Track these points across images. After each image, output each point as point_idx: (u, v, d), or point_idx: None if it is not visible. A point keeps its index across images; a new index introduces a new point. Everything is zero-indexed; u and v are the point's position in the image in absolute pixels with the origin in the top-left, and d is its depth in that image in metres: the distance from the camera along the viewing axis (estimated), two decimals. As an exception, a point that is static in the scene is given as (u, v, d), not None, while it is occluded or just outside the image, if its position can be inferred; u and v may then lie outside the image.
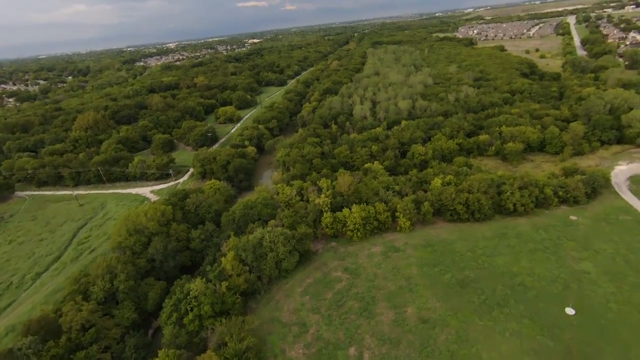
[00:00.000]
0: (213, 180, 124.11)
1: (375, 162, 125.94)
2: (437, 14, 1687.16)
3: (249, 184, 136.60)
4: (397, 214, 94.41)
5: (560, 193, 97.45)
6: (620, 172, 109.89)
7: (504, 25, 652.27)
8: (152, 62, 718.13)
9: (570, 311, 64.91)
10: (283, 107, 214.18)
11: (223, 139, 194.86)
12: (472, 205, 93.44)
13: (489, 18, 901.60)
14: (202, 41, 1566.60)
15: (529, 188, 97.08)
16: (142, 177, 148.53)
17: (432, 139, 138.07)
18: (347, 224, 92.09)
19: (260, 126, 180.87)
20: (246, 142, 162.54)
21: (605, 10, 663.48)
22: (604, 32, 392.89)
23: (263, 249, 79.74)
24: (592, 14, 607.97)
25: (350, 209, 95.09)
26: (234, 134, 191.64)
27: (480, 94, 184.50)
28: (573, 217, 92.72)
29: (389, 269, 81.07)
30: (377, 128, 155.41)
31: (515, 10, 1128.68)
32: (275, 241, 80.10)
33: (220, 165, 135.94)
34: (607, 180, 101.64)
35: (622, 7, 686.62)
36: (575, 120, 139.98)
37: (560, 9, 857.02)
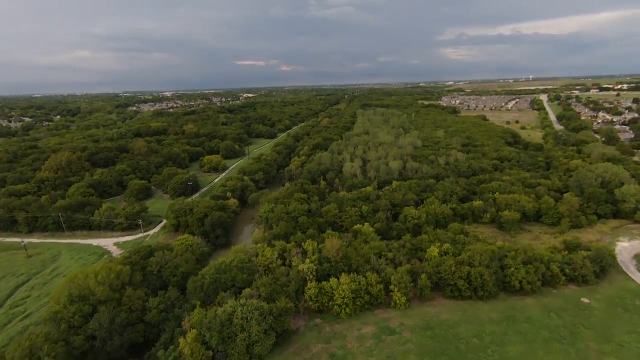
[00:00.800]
0: (186, 235, 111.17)
1: (365, 223, 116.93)
2: (420, 84, 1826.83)
3: (227, 240, 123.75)
4: (391, 286, 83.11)
5: (567, 270, 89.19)
6: (624, 249, 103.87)
7: (484, 98, 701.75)
8: (146, 107, 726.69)
9: None
10: (271, 159, 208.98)
11: (205, 189, 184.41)
12: (474, 281, 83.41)
13: (469, 90, 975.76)
14: (199, 92, 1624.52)
15: (534, 263, 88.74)
16: (109, 227, 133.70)
17: (424, 202, 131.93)
18: (334, 297, 79.60)
19: (245, 177, 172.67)
20: (228, 194, 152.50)
21: (572, 91, 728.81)
22: (576, 110, 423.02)
23: (233, 327, 65.74)
24: (562, 94, 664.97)
25: (338, 279, 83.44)
26: (217, 184, 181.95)
27: (469, 159, 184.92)
28: (585, 300, 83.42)
29: (383, 358, 67.53)
30: (367, 187, 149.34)
31: (491, 85, 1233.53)
32: (249, 318, 66.56)
33: (196, 218, 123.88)
34: (614, 258, 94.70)
35: (587, 90, 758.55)
36: (567, 192, 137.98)
37: (532, 88, 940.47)
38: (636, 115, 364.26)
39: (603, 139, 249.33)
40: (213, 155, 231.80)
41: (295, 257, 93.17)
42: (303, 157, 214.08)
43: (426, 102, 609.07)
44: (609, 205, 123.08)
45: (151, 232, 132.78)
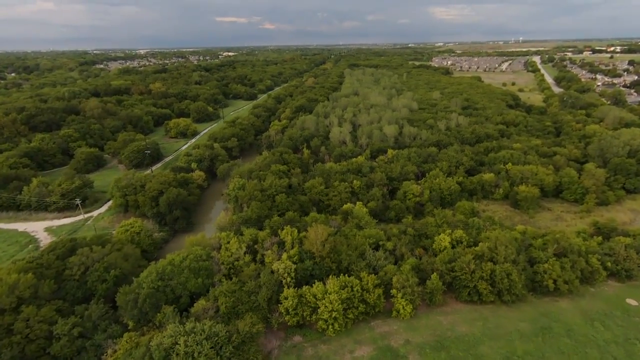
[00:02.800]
0: (132, 220, 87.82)
1: (357, 202, 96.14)
2: (410, 45, 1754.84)
3: (189, 223, 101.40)
4: (393, 291, 63.98)
5: (609, 264, 72.01)
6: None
7: (476, 59, 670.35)
8: (115, 65, 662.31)
9: None
10: (248, 124, 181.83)
11: (169, 158, 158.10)
12: (499, 283, 65.00)
13: (460, 52, 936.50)
14: (175, 50, 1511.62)
15: (570, 256, 70.82)
16: (42, 207, 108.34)
17: (427, 175, 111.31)
18: (318, 309, 59.88)
19: (216, 145, 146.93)
20: (193, 165, 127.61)
21: (565, 53, 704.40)
22: (573, 72, 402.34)
23: (172, 369, 45.32)
24: (555, 56, 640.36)
25: (324, 282, 63.48)
26: (183, 152, 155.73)
27: (472, 123, 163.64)
28: (632, 302, 66.94)
29: (386, 400, 49.37)
30: (359, 157, 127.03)
31: (482, 47, 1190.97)
32: (195, 354, 46.03)
33: (149, 197, 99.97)
34: (659, 246, 77.85)
35: (581, 52, 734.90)
36: (586, 162, 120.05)
37: (524, 49, 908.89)
38: (635, 77, 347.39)
39: (609, 102, 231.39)
40: (181, 119, 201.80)
41: (270, 250, 72.14)
42: (284, 121, 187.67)
43: (417, 63, 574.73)
44: (639, 178, 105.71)
45: (96, 212, 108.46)
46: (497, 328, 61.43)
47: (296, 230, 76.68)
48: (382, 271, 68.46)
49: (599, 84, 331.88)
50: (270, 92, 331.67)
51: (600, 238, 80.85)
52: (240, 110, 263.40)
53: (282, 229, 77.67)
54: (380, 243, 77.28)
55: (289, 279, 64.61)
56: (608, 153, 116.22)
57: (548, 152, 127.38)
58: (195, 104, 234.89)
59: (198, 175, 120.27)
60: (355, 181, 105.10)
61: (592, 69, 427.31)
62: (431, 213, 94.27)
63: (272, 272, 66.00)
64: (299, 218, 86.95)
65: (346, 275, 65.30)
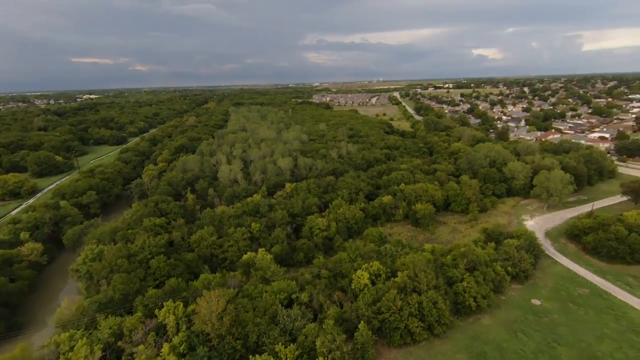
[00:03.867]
0: None
1: (259, 249, 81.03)
2: (290, 85, 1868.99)
3: (13, 325, 68.03)
4: (319, 359, 50.48)
5: (509, 268, 74.76)
6: (532, 228, 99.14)
7: (350, 95, 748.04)
8: None
9: None
10: (112, 172, 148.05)
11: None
12: (428, 315, 58.65)
13: (335, 90, 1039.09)
14: (16, 94, 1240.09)
15: (480, 268, 70.74)
16: None
17: (330, 205, 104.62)
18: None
19: (64, 203, 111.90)
20: (24, 235, 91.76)
21: (416, 89, 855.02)
22: (426, 103, 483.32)
23: None
24: (410, 92, 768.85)
25: (227, 375, 45.65)
26: (8, 219, 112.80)
27: (361, 149, 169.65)
28: (536, 302, 69.44)
29: None
30: (254, 195, 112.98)
31: (352, 85, 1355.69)
32: None
33: None
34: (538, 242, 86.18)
35: (426, 88, 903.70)
36: (460, 175, 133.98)
37: (385, 87, 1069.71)
38: (468, 105, 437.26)
39: (457, 124, 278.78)
40: (11, 174, 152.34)
41: (142, 345, 50.24)
42: (162, 164, 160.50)
43: (299, 100, 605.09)
44: (503, 184, 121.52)
45: None
46: (438, 370, 53.88)
47: (182, 305, 56.87)
48: (301, 335, 54.46)
49: (447, 111, 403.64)
50: (144, 134, 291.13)
51: (493, 244, 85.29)
52: (104, 157, 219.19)
53: (161, 307, 56.70)
54: (294, 296, 63.69)
55: (173, 386, 44.43)
56: (475, 165, 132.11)
57: (429, 169, 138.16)
58: (35, 153, 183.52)
59: (30, 248, 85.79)
60: (253, 224, 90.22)
61: (439, 100, 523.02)
62: (342, 247, 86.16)
63: (146, 380, 44.70)
64: (185, 285, 66.68)
65: (256, 355, 48.92)
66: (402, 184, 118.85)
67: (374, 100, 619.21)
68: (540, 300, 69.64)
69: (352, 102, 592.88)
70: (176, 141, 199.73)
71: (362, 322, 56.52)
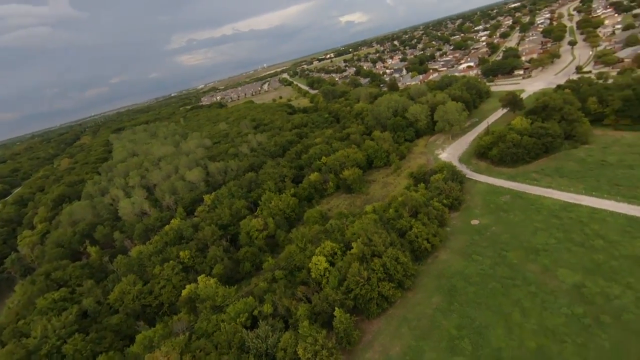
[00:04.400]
0: None
1: (198, 277, 70.00)
2: (173, 95, 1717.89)
3: None
4: (307, 367, 44.97)
5: (445, 201, 78.54)
6: (447, 159, 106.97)
7: (240, 89, 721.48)
8: None
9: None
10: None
11: None
12: (395, 274, 57.34)
13: (223, 87, 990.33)
14: None
15: (422, 210, 72.40)
16: None
17: (259, 202, 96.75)
18: None
19: None
20: None
21: (302, 66, 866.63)
22: (316, 76, 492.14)
23: None
24: (298, 70, 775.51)
25: None
26: None
27: (271, 136, 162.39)
28: (475, 222, 74.44)
29: None
30: (172, 221, 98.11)
31: (239, 78, 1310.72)
32: None
33: None
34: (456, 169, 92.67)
35: (311, 63, 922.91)
36: (371, 132, 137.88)
37: (272, 72, 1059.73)
38: (354, 69, 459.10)
39: (351, 88, 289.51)
40: None
41: None
42: (41, 225, 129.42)
43: (188, 107, 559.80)
44: (410, 128, 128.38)
45: None
46: (422, 323, 53.26)
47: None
48: (279, 351, 47.91)
49: (337, 79, 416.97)
50: (5, 198, 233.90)
51: (422, 184, 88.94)
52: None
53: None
54: (256, 313, 56.15)
55: None
56: (381, 119, 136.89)
57: (342, 135, 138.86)
58: None
59: None
60: (181, 252, 77.81)
61: (327, 71, 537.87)
62: (287, 240, 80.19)
63: None
64: (121, 357, 53.27)
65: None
66: (323, 157, 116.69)
67: (265, 86, 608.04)
68: (477, 219, 74.88)
69: (245, 94, 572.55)
70: (52, 192, 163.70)
71: (336, 308, 52.38)
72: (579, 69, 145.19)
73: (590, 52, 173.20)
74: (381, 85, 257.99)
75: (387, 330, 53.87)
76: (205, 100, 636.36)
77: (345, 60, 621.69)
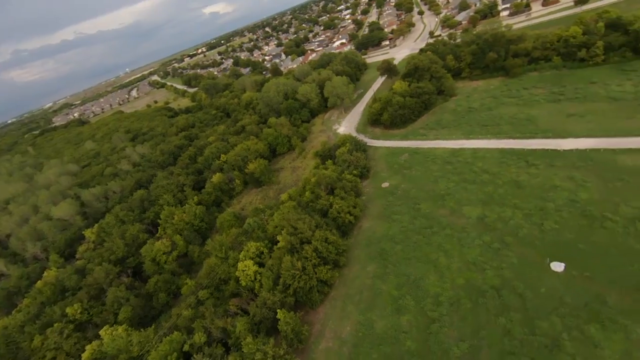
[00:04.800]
0: None
1: (101, 331, 56.16)
2: (10, 121, 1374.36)
3: None
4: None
5: (355, 171, 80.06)
6: (345, 131, 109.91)
7: (102, 100, 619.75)
8: None
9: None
10: None
11: None
12: (328, 255, 55.50)
13: (80, 101, 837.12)
14: None
15: (337, 185, 72.08)
16: None
17: (160, 221, 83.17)
18: None
19: None
20: None
21: (173, 64, 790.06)
22: (191, 73, 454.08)
23: None
24: (169, 69, 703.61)
25: None
26: None
27: (154, 145, 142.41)
28: (385, 185, 78.00)
29: None
30: (46, 273, 76.85)
31: (100, 88, 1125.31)
32: None
33: None
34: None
35: (182, 60, 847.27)
36: (267, 120, 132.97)
37: (139, 75, 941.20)
38: (231, 60, 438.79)
39: (234, 79, 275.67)
40: None
41: None
42: None
43: (36, 132, 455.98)
44: (304, 109, 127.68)
45: None
46: (365, 295, 53.06)
47: None
48: (226, 382, 41.34)
49: (216, 72, 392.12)
50: None
51: (330, 161, 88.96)
52: None
53: None
54: (186, 348, 47.54)
55: None
56: (273, 104, 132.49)
57: (237, 128, 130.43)
58: None
59: None
60: (68, 309, 61.42)
61: (202, 66, 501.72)
62: (203, 254, 70.90)
63: None
64: None
65: None
66: (222, 155, 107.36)
67: (134, 93, 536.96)
68: (387, 182, 78.60)
69: (111, 105, 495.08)
70: None
71: (277, 310, 47.89)
72: (431, 34, 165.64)
73: (436, 19, 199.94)
74: (264, 72, 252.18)
75: (334, 314, 52.16)
76: (58, 120, 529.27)
77: (219, 53, 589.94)
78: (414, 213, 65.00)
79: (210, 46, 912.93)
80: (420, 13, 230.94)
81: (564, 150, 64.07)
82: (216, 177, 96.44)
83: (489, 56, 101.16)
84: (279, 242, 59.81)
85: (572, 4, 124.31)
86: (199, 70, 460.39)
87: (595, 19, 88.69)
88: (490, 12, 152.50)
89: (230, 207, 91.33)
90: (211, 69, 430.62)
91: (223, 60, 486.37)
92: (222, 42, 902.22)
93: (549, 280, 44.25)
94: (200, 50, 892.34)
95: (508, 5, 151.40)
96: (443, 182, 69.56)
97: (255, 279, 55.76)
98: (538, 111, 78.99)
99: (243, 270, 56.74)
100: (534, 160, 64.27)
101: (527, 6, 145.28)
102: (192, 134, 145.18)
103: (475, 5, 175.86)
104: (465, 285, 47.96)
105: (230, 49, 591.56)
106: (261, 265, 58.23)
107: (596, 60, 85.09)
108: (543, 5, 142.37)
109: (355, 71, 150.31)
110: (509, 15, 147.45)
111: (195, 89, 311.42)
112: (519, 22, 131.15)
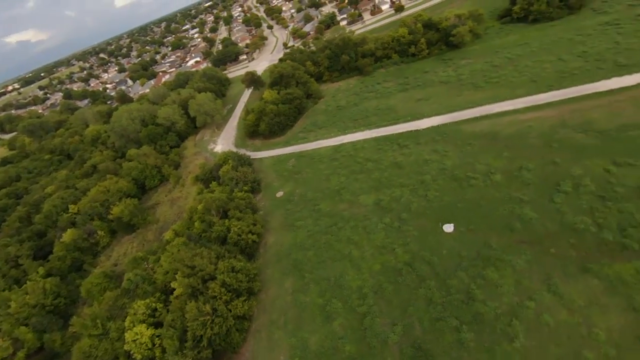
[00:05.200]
0: None
1: None
2: None
3: None
4: None
5: (246, 188, 74.14)
6: (223, 149, 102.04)
7: None
8: None
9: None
10: None
11: None
12: (238, 286, 48.38)
13: None
14: None
15: (229, 206, 64.86)
16: None
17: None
18: None
19: None
20: None
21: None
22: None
23: None
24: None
25: None
26: None
27: None
28: (279, 194, 74.93)
29: None
30: None
31: None
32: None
33: None
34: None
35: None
36: (125, 153, 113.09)
37: None
38: (60, 94, 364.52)
39: (69, 114, 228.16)
40: None
41: None
42: None
43: None
44: (171, 133, 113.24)
45: None
46: (290, 315, 48.30)
47: None
48: None
49: (41, 110, 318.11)
50: None
51: (214, 182, 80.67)
52: None
53: None
54: None
55: None
56: (130, 133, 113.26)
57: (86, 169, 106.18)
58: None
59: None
60: None
61: (18, 106, 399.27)
62: (70, 338, 53.12)
63: None
64: None
65: None
66: (71, 206, 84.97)
67: None
68: (280, 191, 75.64)
69: None
70: None
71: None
72: (285, 45, 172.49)
73: (286, 32, 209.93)
74: (109, 102, 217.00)
75: (261, 349, 45.72)
76: None
77: (41, 87, 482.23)
78: (315, 215, 63.80)
79: (26, 81, 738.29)
80: (270, 27, 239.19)
81: (423, 129, 73.60)
82: (68, 235, 75.01)
83: (343, 58, 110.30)
84: (174, 290, 49.23)
85: (393, 12, 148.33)
86: (13, 111, 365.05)
87: (414, 21, 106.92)
88: (332, 22, 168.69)
89: (98, 266, 72.32)
90: (33, 107, 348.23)
91: (48, 95, 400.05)
92: (43, 74, 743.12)
93: (446, 241, 48.77)
94: (11, 87, 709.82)
95: (345, 15, 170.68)
96: (335, 178, 70.83)
97: (154, 344, 44.16)
98: (394, 101, 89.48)
99: (134, 340, 44.20)
100: (404, 142, 71.70)
101: (360, 15, 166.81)
102: (19, 189, 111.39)
103: (317, 17, 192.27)
104: (382, 270, 48.69)
105: (56, 82, 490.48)
106: (158, 325, 46.67)
107: (423, 54, 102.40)
108: (372, 14, 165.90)
109: (219, 87, 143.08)
110: (347, 24, 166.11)
111: (14, 133, 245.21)
112: (358, 29, 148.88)
